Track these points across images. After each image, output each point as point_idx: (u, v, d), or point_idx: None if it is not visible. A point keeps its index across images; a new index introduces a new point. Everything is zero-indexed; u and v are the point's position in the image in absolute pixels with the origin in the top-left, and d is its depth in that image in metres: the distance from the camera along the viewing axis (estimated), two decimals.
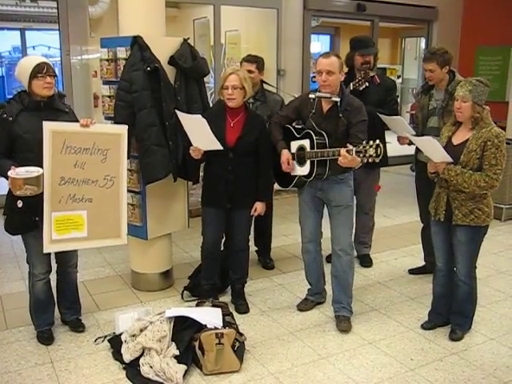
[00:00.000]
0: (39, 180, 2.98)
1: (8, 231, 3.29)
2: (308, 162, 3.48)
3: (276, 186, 4.05)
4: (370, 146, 3.06)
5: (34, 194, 2.99)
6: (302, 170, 3.54)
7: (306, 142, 3.49)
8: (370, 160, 3.09)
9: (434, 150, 3.28)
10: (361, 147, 3.09)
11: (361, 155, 3.08)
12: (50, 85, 3.16)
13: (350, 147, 3.12)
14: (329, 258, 4.17)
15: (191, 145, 3.54)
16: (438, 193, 3.44)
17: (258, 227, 4.62)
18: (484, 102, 3.26)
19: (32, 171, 2.98)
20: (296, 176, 3.62)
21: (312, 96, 3.49)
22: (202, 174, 3.92)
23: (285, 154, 3.57)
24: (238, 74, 3.54)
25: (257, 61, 4.31)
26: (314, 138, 3.43)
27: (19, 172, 2.95)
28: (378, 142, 3.06)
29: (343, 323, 3.64)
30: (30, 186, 2.94)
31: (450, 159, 3.23)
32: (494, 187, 3.21)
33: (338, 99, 3.39)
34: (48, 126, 3.10)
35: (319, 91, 3.45)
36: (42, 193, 3.08)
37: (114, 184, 3.32)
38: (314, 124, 3.48)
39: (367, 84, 4.19)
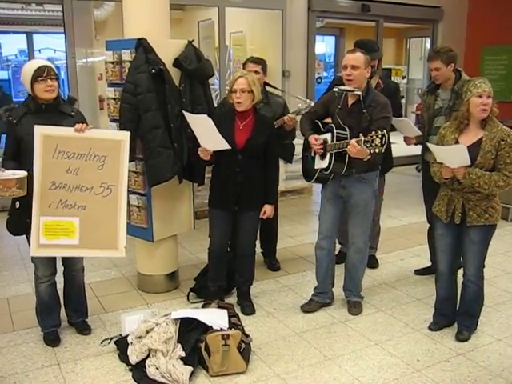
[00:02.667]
0: (21, 182, 2.94)
1: (9, 231, 3.33)
2: (328, 154, 3.53)
3: (280, 188, 4.06)
4: (377, 136, 3.13)
5: (17, 195, 2.98)
6: (323, 163, 3.59)
7: (328, 136, 3.54)
8: (376, 150, 3.14)
9: (456, 157, 3.19)
10: (368, 136, 3.15)
11: (368, 145, 3.14)
12: (51, 87, 3.15)
13: (361, 137, 3.18)
14: (338, 258, 4.17)
15: (197, 146, 3.55)
16: (449, 196, 3.38)
17: (263, 229, 4.62)
18: None
19: (16, 174, 2.95)
20: (318, 170, 3.66)
21: (336, 89, 3.56)
22: (209, 175, 3.93)
23: (311, 137, 3.60)
24: (247, 78, 3.55)
25: (261, 62, 4.33)
26: (335, 131, 3.48)
27: (2, 174, 2.94)
28: (384, 132, 3.13)
29: (353, 308, 3.89)
30: (9, 187, 2.91)
31: (469, 162, 3.17)
32: (510, 185, 3.22)
33: (359, 92, 3.43)
34: (39, 130, 3.07)
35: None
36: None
37: (111, 192, 3.20)
38: (340, 119, 3.54)
39: None
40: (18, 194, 2.98)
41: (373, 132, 3.17)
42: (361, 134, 3.22)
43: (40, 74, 3.12)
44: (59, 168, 3.13)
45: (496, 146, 3.19)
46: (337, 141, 3.46)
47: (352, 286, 3.93)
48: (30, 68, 3.16)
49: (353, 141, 3.21)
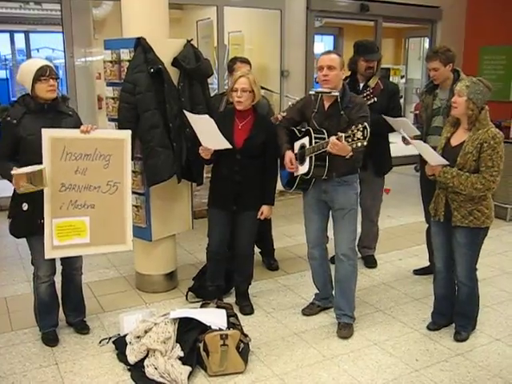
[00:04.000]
0: (40, 175, 2.99)
1: (13, 234, 3.32)
2: (307, 159, 3.46)
3: (279, 187, 4.04)
4: (358, 130, 3.03)
5: (38, 189, 3.02)
6: (302, 169, 3.52)
7: (306, 140, 3.48)
8: (358, 144, 3.05)
9: (428, 154, 3.28)
10: (349, 132, 3.07)
11: (349, 140, 3.06)
12: (53, 87, 3.16)
13: (340, 134, 3.10)
14: (333, 260, 4.17)
15: (196, 146, 3.56)
16: (437, 194, 3.43)
17: (258, 229, 4.60)
18: (483, 103, 3.20)
19: (34, 167, 3.00)
20: (298, 176, 3.59)
21: (312, 92, 3.49)
22: (207, 175, 3.92)
23: (287, 155, 3.54)
24: (248, 78, 3.55)
25: (249, 62, 4.33)
26: (313, 134, 3.41)
27: (17, 170, 2.98)
28: (365, 124, 3.04)
29: (343, 330, 3.59)
30: (32, 181, 2.97)
31: (445, 162, 3.22)
32: (491, 189, 3.19)
33: (337, 93, 3.35)
34: (47, 133, 3.09)
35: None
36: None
37: (117, 189, 3.30)
38: (316, 123, 3.46)
39: (375, 99, 4.15)
40: (35, 188, 3.01)
41: (353, 126, 3.07)
42: (339, 133, 3.12)
43: (42, 73, 3.12)
44: (68, 169, 3.18)
45: (478, 147, 3.17)
46: (315, 143, 3.37)
47: (344, 304, 3.62)
48: (31, 67, 3.16)
49: (332, 138, 3.11)
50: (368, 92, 4.15)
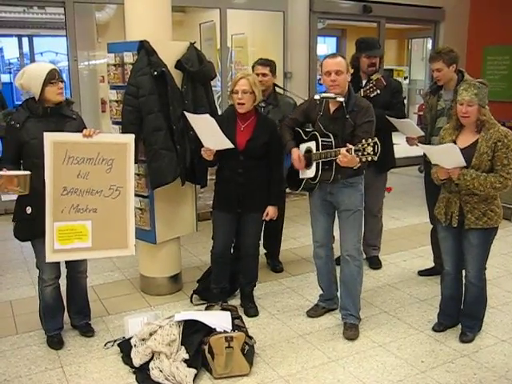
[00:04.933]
0: (26, 180, 3.02)
1: (17, 237, 3.33)
2: (314, 164, 3.46)
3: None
4: (368, 144, 3.03)
5: (22, 193, 3.04)
6: (309, 173, 3.51)
7: (313, 144, 3.46)
8: (368, 159, 3.04)
9: (449, 157, 3.19)
10: (359, 145, 3.06)
11: (359, 154, 3.05)
12: (61, 90, 3.20)
13: (350, 146, 3.09)
14: (338, 261, 4.16)
15: (200, 148, 3.56)
16: (447, 198, 3.38)
17: (267, 231, 4.60)
18: (487, 103, 3.22)
19: (20, 172, 3.04)
20: (304, 179, 3.59)
21: (317, 97, 3.45)
22: (211, 177, 3.92)
23: (295, 152, 3.52)
24: (248, 79, 3.55)
25: (270, 64, 4.32)
26: (320, 139, 3.39)
27: (6, 172, 3.00)
28: (375, 139, 3.03)
29: (349, 331, 3.58)
30: (20, 185, 2.99)
31: (464, 164, 3.17)
32: (508, 187, 3.19)
33: (342, 99, 3.33)
34: (49, 137, 3.09)
35: (327, 93, 3.41)
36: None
37: (120, 194, 3.29)
38: (322, 126, 3.45)
39: (378, 91, 4.14)
40: (21, 192, 3.03)
41: (363, 140, 3.06)
42: (348, 144, 3.11)
43: (52, 76, 3.14)
44: (70, 173, 3.17)
45: (492, 147, 3.16)
46: (322, 149, 3.35)
47: (349, 304, 3.62)
48: (40, 70, 3.16)
49: (343, 150, 3.09)
50: (371, 84, 4.15)
